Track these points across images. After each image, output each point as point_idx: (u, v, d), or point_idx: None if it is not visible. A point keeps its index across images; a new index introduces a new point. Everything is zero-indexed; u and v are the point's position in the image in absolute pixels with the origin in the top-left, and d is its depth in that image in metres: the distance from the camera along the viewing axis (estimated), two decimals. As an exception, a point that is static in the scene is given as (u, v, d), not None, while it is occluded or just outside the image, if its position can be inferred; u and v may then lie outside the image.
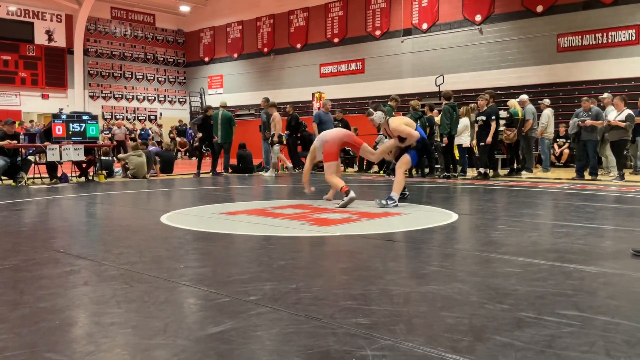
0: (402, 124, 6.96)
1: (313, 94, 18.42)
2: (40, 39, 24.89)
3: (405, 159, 6.93)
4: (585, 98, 11.62)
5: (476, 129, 11.44)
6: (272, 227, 5.30)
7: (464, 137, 12.25)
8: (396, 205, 6.56)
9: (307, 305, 2.75)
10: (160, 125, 25.73)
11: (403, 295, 2.94)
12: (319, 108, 16.10)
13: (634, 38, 15.98)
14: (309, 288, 3.11)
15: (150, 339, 2.32)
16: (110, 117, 26.72)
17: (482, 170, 11.36)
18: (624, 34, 16.15)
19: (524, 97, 12.79)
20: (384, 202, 6.62)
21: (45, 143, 10.92)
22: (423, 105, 12.75)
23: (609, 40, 16.42)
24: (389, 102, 12.55)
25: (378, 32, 21.81)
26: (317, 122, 12.97)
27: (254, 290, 3.01)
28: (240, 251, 4.37)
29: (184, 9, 28.21)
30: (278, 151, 13.16)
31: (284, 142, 13.56)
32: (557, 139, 15.15)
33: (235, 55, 27.18)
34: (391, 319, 2.55)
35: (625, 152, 11.67)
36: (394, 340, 2.26)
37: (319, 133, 12.62)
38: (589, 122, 10.99)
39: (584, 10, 16.85)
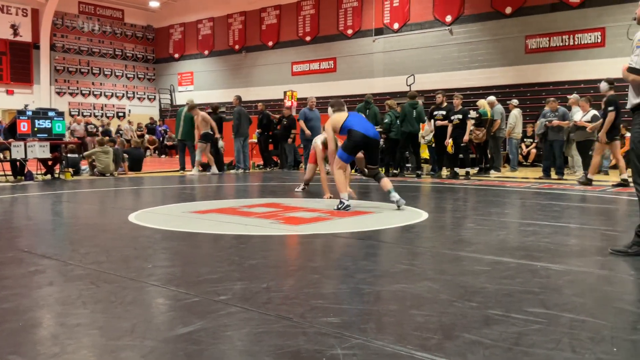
0: (330, 126, 6.69)
1: (285, 92, 18.36)
2: (5, 33, 24.28)
3: (336, 160, 6.62)
4: (552, 99, 11.85)
5: (450, 128, 11.47)
6: (243, 226, 5.26)
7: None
8: (347, 207, 6.20)
9: (277, 304, 2.74)
10: (130, 122, 25.35)
11: (373, 294, 2.95)
12: (289, 107, 16.05)
13: (599, 40, 16.35)
14: (279, 287, 3.09)
15: (117, 340, 2.28)
16: (77, 113, 26.23)
17: (466, 170, 11.55)
18: (590, 36, 16.51)
19: (492, 98, 13.00)
20: (334, 207, 6.31)
21: (10, 140, 10.66)
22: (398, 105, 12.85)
23: (576, 42, 16.78)
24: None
25: (350, 31, 21.87)
26: (302, 120, 12.99)
27: (224, 290, 2.98)
28: (210, 250, 4.33)
29: (154, 4, 27.86)
30: (203, 149, 12.98)
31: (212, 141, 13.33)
32: (525, 139, 15.41)
33: (206, 52, 26.95)
34: (362, 317, 2.55)
35: (590, 152, 11.93)
36: (364, 339, 2.27)
37: (307, 130, 12.75)
38: (555, 122, 11.20)
39: (552, 12, 17.18)
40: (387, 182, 6.61)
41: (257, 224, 5.38)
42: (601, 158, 10.38)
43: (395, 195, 6.39)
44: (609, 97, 9.35)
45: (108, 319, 2.55)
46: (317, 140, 8.15)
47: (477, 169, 12.90)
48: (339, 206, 6.26)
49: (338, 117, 6.63)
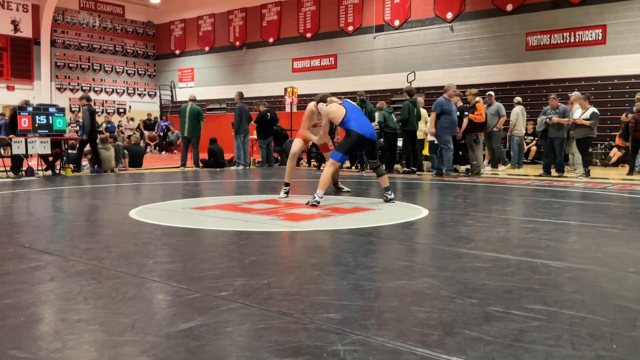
0: (326, 118, 6.91)
1: (285, 89, 18.34)
2: (5, 29, 24.23)
3: (330, 160, 6.86)
4: (553, 96, 11.84)
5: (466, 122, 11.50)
6: (244, 222, 5.27)
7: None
8: (317, 202, 6.23)
9: (278, 300, 2.75)
10: (131, 119, 25.31)
11: (374, 290, 2.96)
12: (291, 103, 16.05)
13: (600, 38, 16.31)
14: (280, 283, 3.10)
15: (118, 335, 2.29)
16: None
17: (466, 167, 11.62)
18: (591, 33, 16.47)
19: (490, 94, 13.03)
20: (306, 202, 6.42)
21: (11, 135, 10.66)
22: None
23: (577, 40, 16.74)
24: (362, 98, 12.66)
25: (350, 28, 21.83)
26: (438, 112, 12.46)
27: (225, 286, 2.99)
28: (211, 246, 4.33)
29: (154, 0, 27.80)
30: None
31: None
32: (525, 137, 15.40)
33: (207, 48, 26.91)
34: (362, 313, 2.56)
35: (590, 150, 11.93)
36: (365, 335, 2.27)
37: (433, 127, 12.51)
38: (555, 119, 11.19)
39: (553, 9, 17.14)
40: (385, 180, 6.79)
41: (257, 220, 5.38)
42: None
43: (390, 194, 6.66)
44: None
45: (109, 315, 2.56)
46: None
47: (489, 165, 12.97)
48: (310, 200, 6.32)
49: (338, 111, 6.67)
